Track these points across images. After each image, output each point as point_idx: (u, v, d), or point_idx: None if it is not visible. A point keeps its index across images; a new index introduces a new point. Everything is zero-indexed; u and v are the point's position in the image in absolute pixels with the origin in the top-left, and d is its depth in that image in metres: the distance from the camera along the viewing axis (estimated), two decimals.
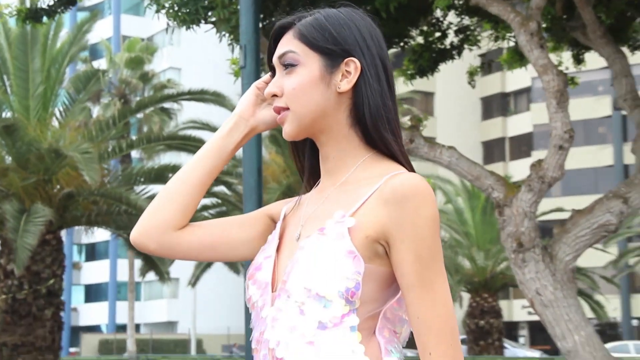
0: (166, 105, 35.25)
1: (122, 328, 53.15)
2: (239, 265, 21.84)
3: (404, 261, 1.71)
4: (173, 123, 36.02)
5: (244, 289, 1.95)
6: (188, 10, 7.49)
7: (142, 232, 1.95)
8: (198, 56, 57.98)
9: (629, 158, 47.09)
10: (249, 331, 6.64)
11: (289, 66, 1.85)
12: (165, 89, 35.77)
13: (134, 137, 21.71)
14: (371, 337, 1.75)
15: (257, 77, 6.99)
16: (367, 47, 1.85)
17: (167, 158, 28.50)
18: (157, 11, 7.67)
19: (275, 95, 1.88)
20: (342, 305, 1.71)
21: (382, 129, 1.83)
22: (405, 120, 11.15)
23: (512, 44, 10.70)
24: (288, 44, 1.86)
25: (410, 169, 1.85)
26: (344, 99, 1.84)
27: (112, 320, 52.53)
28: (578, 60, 10.83)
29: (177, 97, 19.85)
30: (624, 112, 47.71)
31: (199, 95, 19.01)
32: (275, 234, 1.92)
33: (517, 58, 10.88)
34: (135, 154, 36.10)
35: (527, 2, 9.24)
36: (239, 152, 12.60)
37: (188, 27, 7.71)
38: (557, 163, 7.09)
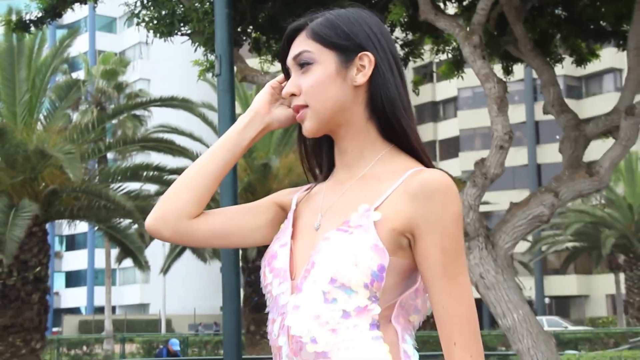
0: (138, 112, 34.85)
1: (99, 310, 52.47)
2: (206, 254, 21.51)
3: (431, 254, 1.58)
4: (143, 128, 35.68)
5: (251, 276, 1.75)
6: (165, 22, 7.26)
7: (157, 218, 1.76)
8: (165, 68, 57.52)
9: (541, 158, 47.66)
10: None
11: (304, 65, 1.70)
12: (137, 98, 35.33)
13: (110, 140, 21.38)
14: (388, 325, 1.61)
15: (232, 84, 6.77)
16: (378, 41, 1.71)
17: (139, 158, 28.12)
18: (138, 24, 7.44)
19: (293, 95, 1.72)
20: (366, 296, 1.57)
21: (400, 117, 1.69)
22: None
23: (450, 56, 10.60)
24: (302, 44, 1.71)
25: (428, 159, 1.73)
26: (360, 92, 1.69)
27: (91, 303, 51.84)
28: (507, 71, 10.76)
29: (149, 103, 19.58)
30: (537, 119, 48.14)
31: (169, 102, 18.77)
32: (288, 223, 1.76)
33: (454, 69, 10.80)
34: (110, 155, 35.58)
35: (466, 20, 9.16)
36: None
37: (165, 39, 7.48)
38: (498, 161, 6.98)
